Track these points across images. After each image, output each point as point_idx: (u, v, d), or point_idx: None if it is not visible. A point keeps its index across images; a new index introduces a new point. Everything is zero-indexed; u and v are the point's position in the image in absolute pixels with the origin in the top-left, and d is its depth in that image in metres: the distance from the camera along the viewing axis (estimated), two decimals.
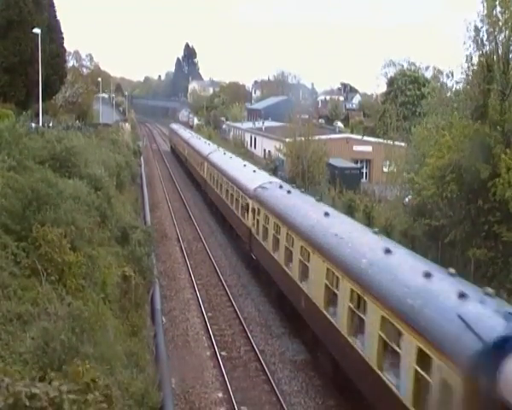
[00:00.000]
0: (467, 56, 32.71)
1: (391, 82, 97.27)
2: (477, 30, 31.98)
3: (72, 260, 19.83)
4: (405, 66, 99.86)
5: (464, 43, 32.51)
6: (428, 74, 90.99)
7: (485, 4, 31.51)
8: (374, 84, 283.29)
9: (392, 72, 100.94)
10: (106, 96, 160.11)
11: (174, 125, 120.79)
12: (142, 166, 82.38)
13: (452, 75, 36.36)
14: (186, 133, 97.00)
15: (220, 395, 22.86)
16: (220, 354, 26.13)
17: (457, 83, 35.78)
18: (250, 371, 25.11)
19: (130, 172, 60.99)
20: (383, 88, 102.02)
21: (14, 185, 21.92)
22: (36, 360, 12.89)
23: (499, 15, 31.11)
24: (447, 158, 31.65)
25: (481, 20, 31.81)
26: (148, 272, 29.02)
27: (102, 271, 23.09)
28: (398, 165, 50.69)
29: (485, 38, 31.90)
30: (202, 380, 23.95)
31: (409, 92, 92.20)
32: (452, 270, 16.96)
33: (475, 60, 32.60)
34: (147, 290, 28.72)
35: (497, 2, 31.04)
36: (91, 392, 10.27)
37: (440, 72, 43.14)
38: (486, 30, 31.68)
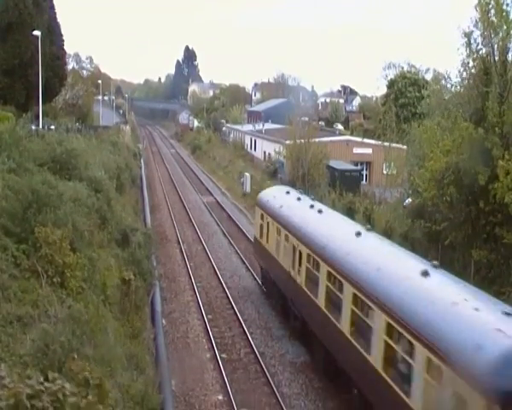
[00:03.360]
0: (463, 60, 32.73)
1: (391, 84, 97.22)
2: (469, 34, 31.98)
3: (72, 262, 19.85)
4: (405, 68, 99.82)
5: (458, 49, 32.55)
6: (428, 76, 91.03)
7: (478, 8, 31.55)
8: (374, 87, 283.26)
9: (392, 74, 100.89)
10: (106, 98, 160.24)
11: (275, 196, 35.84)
12: (143, 168, 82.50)
13: (450, 78, 36.26)
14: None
15: (220, 397, 22.85)
16: (220, 357, 26.12)
17: (454, 86, 35.68)
18: (250, 373, 25.10)
19: (130, 175, 61.04)
20: (383, 90, 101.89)
21: (14, 187, 21.94)
22: (36, 362, 12.90)
23: (493, 18, 31.15)
24: (444, 162, 31.65)
25: (474, 25, 31.85)
26: (148, 274, 29.03)
27: (102, 273, 23.12)
28: (398, 166, 50.72)
29: (480, 42, 31.93)
30: (202, 382, 23.95)
31: (409, 94, 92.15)
32: None
33: (471, 63, 32.60)
34: (147, 293, 28.74)
35: (491, 6, 31.08)
36: (89, 388, 10.31)
37: (440, 74, 43.11)
38: (481, 33, 31.70)
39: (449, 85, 36.68)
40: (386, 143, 57.68)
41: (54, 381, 9.35)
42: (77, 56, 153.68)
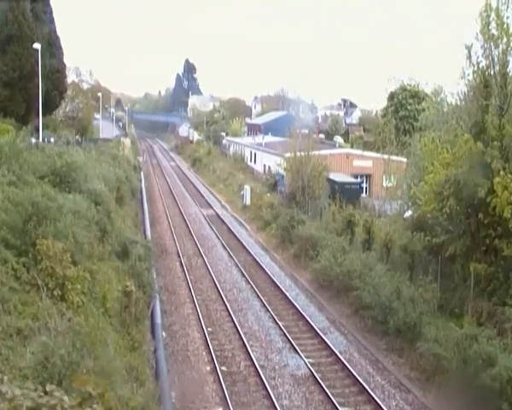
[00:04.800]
0: (462, 72, 32.79)
1: (391, 96, 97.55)
2: (470, 47, 32.06)
3: (73, 274, 19.86)
4: (406, 80, 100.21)
5: (458, 60, 32.62)
6: (428, 89, 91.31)
7: (478, 20, 31.66)
8: (374, 100, 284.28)
9: (392, 87, 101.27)
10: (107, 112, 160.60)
11: None
12: (142, 181, 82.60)
13: (444, 92, 36.37)
14: None
15: (220, 409, 22.83)
16: (220, 369, 26.06)
17: (454, 99, 35.76)
18: (250, 386, 25.03)
19: (130, 187, 61.11)
20: (384, 104, 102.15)
21: (14, 200, 21.97)
22: (36, 374, 12.88)
23: (494, 31, 31.25)
24: (444, 174, 31.66)
25: (475, 37, 31.95)
26: (148, 286, 29.03)
27: (103, 285, 23.13)
28: (397, 179, 50.76)
29: (480, 54, 32.01)
30: (202, 395, 23.88)
31: (409, 107, 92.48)
32: None
33: (471, 76, 32.67)
34: (147, 305, 28.71)
35: (491, 18, 31.17)
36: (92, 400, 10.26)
37: (439, 86, 43.22)
38: (482, 45, 31.79)
39: (449, 99, 36.78)
40: (386, 156, 57.81)
41: (52, 393, 9.33)
42: (77, 70, 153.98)
